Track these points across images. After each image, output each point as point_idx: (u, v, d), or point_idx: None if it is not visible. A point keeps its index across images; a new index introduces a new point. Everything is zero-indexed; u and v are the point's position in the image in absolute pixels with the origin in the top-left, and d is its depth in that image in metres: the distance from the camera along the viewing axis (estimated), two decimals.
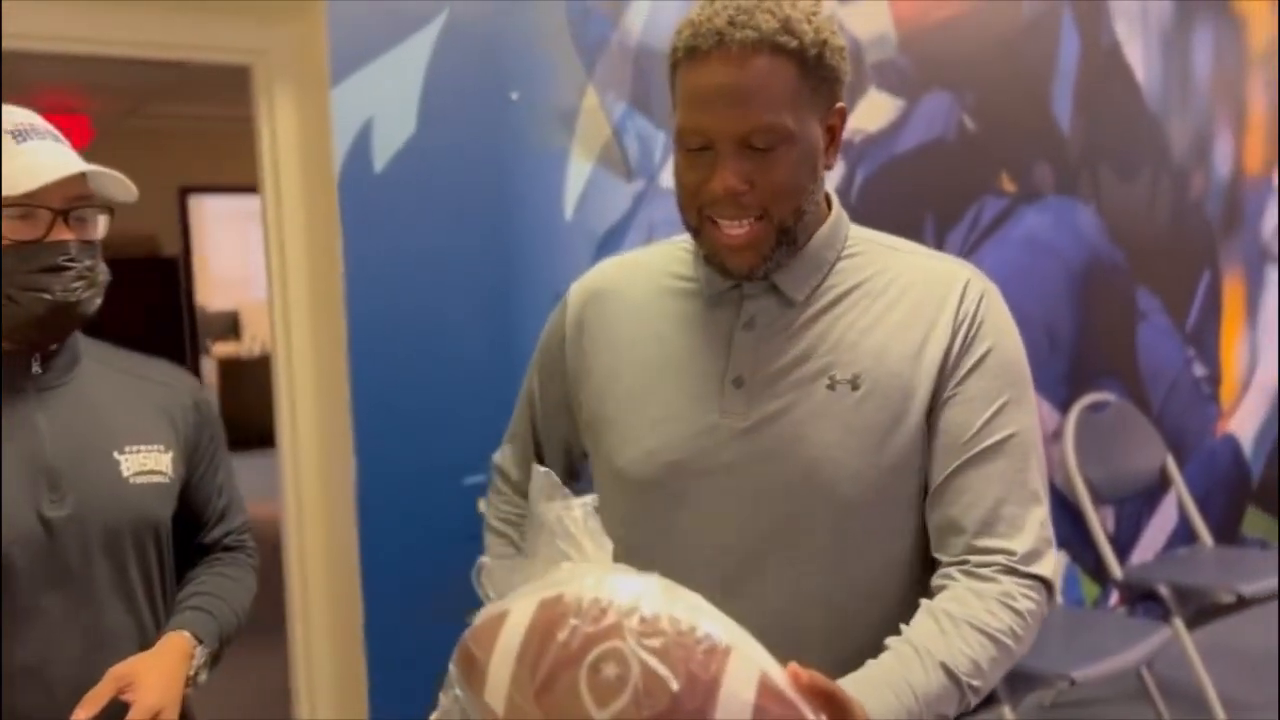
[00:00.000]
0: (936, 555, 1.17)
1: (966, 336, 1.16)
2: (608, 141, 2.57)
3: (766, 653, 0.92)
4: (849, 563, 1.16)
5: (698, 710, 0.87)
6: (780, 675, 0.90)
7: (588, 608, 0.91)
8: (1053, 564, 1.16)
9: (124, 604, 1.33)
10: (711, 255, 1.16)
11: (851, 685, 1.00)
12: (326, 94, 2.24)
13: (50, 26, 2.12)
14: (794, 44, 1.09)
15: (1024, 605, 1.12)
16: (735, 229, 1.12)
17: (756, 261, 1.14)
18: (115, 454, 1.32)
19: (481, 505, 2.38)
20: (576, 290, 1.33)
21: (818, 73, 1.12)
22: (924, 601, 1.13)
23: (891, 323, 1.17)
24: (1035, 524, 1.15)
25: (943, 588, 1.14)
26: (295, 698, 2.46)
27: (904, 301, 1.18)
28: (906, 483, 1.16)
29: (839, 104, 1.16)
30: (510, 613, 0.95)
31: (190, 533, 1.46)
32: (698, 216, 1.15)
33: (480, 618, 0.99)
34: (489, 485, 1.44)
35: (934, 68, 3.17)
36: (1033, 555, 1.14)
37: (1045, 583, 1.15)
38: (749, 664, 0.89)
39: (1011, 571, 1.12)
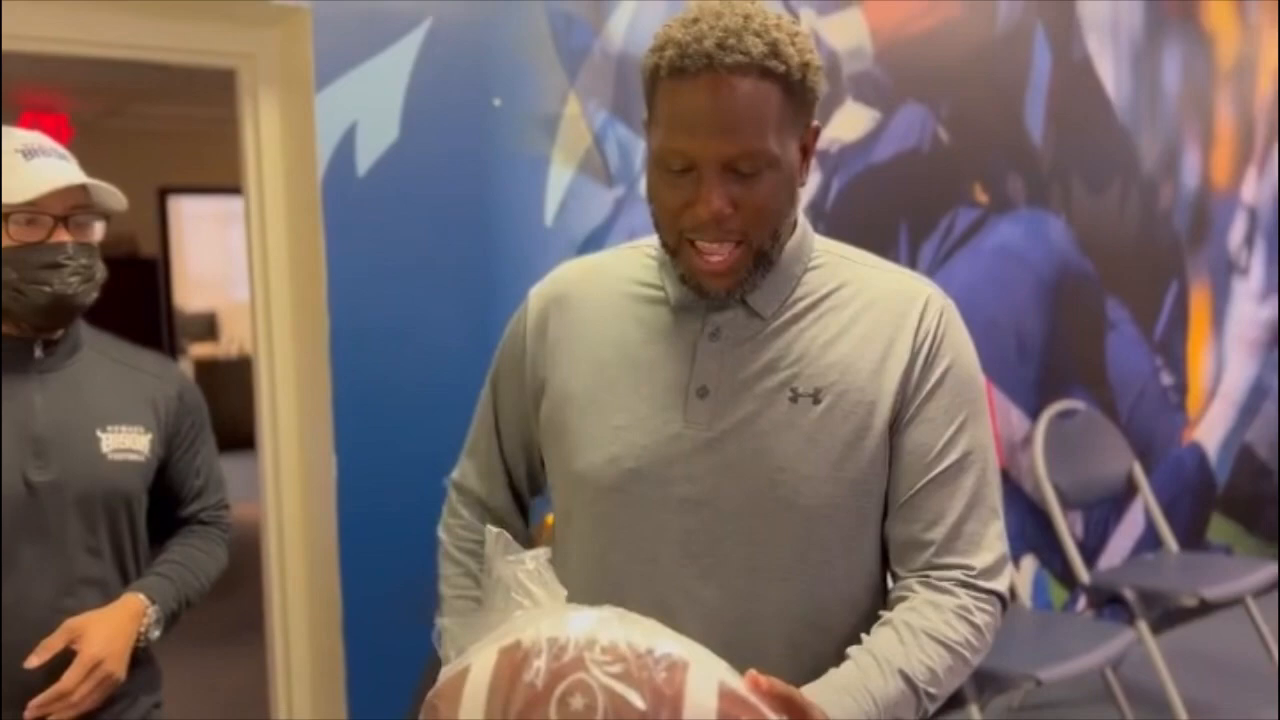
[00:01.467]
0: (895, 569, 1.20)
1: (928, 355, 1.18)
2: (589, 148, 2.60)
3: (724, 663, 0.96)
4: (811, 574, 1.17)
5: None
6: (738, 682, 0.94)
7: (547, 647, 0.93)
8: (1008, 578, 1.19)
9: (92, 561, 1.50)
10: (689, 276, 1.16)
11: (811, 691, 1.03)
12: (311, 98, 2.26)
13: (35, 27, 2.13)
14: (781, 68, 1.08)
15: (980, 619, 1.15)
16: (716, 255, 1.12)
17: (733, 285, 1.15)
18: (98, 431, 1.50)
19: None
20: (536, 295, 1.32)
21: (800, 95, 1.11)
22: (883, 613, 1.15)
23: (854, 337, 1.18)
24: (994, 539, 1.18)
25: (901, 599, 1.16)
26: (273, 697, 2.47)
27: (866, 316, 1.19)
28: (868, 495, 1.18)
29: (814, 123, 1.16)
30: (471, 667, 0.97)
31: (170, 507, 1.63)
32: (677, 238, 1.14)
33: (443, 677, 1.01)
34: (445, 507, 1.39)
35: (909, 80, 3.22)
36: (990, 571, 1.17)
37: (1000, 597, 1.18)
38: (708, 675, 0.93)
39: (969, 586, 1.15)
